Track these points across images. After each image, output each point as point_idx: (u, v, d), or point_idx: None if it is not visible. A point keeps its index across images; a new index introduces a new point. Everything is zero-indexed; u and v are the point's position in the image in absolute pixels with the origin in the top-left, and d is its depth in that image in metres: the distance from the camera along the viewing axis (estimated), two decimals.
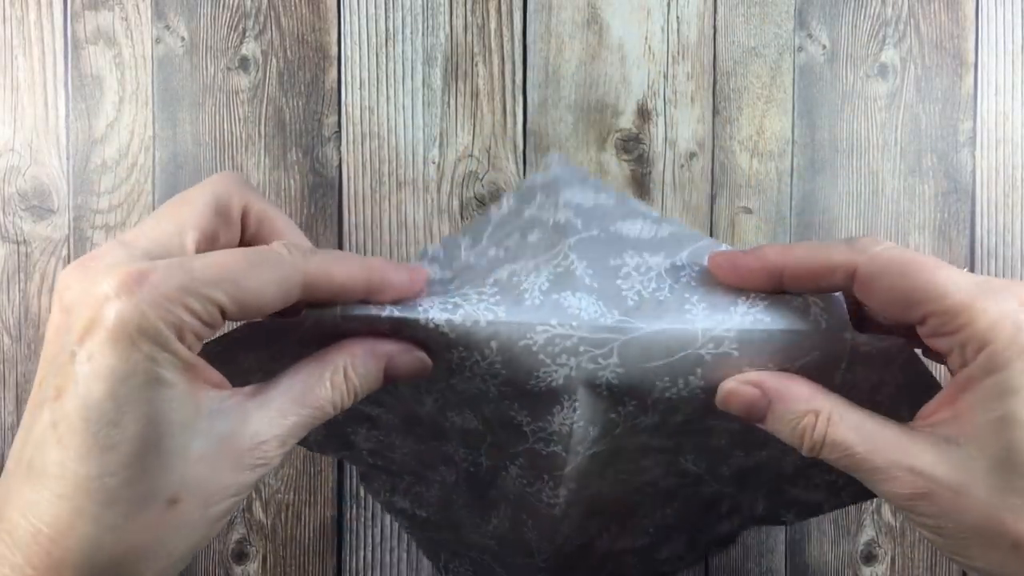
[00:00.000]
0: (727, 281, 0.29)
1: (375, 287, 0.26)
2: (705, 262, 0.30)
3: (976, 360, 0.24)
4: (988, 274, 0.44)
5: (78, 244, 0.43)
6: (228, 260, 0.23)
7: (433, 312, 0.27)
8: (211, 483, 0.22)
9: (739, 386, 0.27)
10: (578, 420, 0.29)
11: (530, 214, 0.33)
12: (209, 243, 0.26)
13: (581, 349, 0.27)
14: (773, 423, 0.27)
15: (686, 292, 0.29)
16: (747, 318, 0.28)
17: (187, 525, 0.22)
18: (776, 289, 0.28)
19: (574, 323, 0.27)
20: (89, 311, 0.21)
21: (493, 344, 0.27)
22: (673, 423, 0.30)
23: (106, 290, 0.21)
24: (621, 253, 0.30)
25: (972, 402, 0.24)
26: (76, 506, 0.21)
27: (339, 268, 0.25)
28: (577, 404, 0.28)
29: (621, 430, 0.30)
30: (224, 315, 0.23)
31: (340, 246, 0.44)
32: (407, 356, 0.27)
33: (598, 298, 0.28)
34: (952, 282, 0.25)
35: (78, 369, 0.21)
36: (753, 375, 0.27)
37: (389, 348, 0.27)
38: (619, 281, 0.29)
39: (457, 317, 0.27)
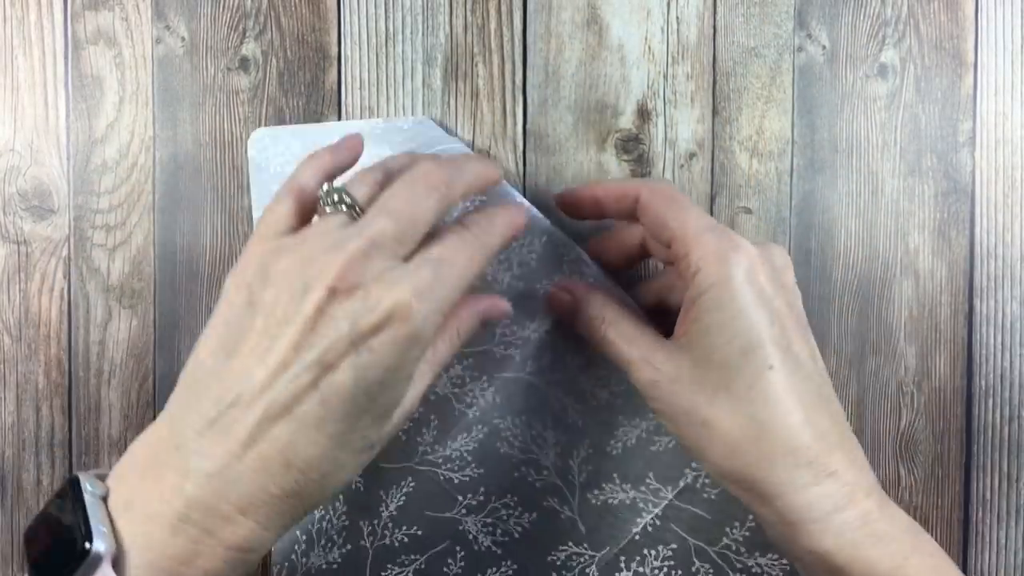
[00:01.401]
0: (569, 212, 0.39)
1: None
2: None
3: (692, 282, 0.31)
4: (988, 276, 0.44)
5: (78, 244, 0.43)
6: (467, 267, 0.31)
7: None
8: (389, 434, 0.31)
9: (558, 292, 0.38)
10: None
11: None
12: None
13: None
14: (578, 324, 0.36)
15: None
16: None
17: (370, 460, 0.31)
18: (599, 215, 0.37)
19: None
20: (383, 311, 0.27)
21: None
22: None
23: (405, 296, 0.28)
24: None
25: (689, 315, 0.31)
26: (324, 452, 0.28)
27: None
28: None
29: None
30: None
31: None
32: (496, 306, 0.36)
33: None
34: (693, 219, 0.32)
35: (360, 355, 0.27)
36: (569, 283, 0.38)
37: (483, 304, 0.35)
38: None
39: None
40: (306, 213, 0.32)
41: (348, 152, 0.34)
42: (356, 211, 0.30)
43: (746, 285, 0.30)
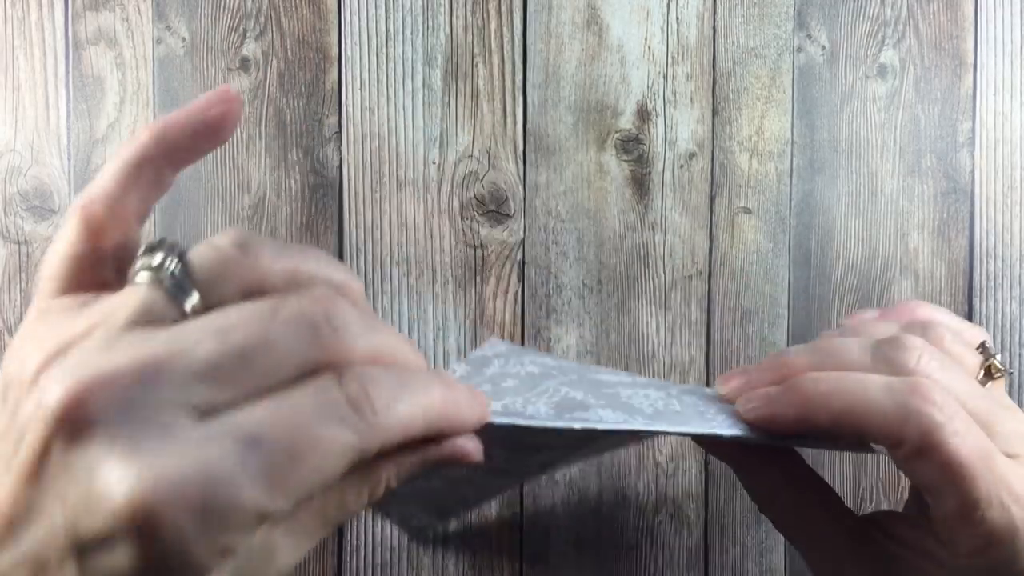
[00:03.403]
0: (759, 423, 0.25)
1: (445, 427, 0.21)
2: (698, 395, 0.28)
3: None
4: (987, 276, 0.44)
5: None
6: (317, 464, 0.18)
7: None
8: None
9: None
10: None
11: (493, 372, 0.29)
12: None
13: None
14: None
15: (699, 406, 0.27)
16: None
17: None
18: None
19: (600, 426, 0.25)
20: (117, 506, 0.16)
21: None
22: None
23: (155, 490, 0.16)
24: (614, 387, 0.28)
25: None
26: None
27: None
28: None
29: None
30: None
31: (340, 247, 0.44)
32: (455, 446, 0.22)
33: (614, 410, 0.26)
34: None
35: None
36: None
37: (437, 450, 0.21)
38: (625, 400, 0.27)
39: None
40: (102, 254, 0.20)
41: (209, 119, 0.21)
42: (186, 304, 0.18)
43: None
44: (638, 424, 0.25)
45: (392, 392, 0.18)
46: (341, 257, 0.43)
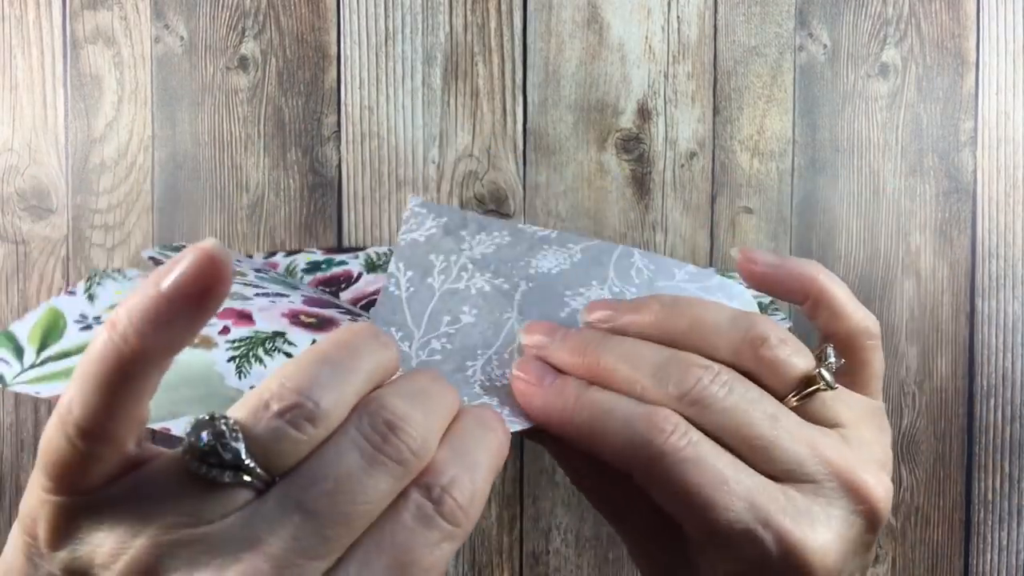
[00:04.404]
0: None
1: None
2: (629, 262, 0.29)
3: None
4: (990, 275, 0.44)
5: (77, 244, 0.43)
6: None
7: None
8: None
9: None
10: None
11: (447, 286, 0.29)
12: None
13: None
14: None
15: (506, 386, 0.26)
16: None
17: None
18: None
19: None
20: None
21: None
22: None
23: None
24: (562, 301, 0.29)
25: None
26: None
27: None
28: None
29: None
30: None
31: (339, 244, 0.43)
32: None
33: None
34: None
35: None
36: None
37: None
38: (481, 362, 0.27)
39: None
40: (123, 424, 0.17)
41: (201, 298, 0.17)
42: (258, 483, 0.17)
43: None
44: None
45: (469, 477, 0.19)
46: None
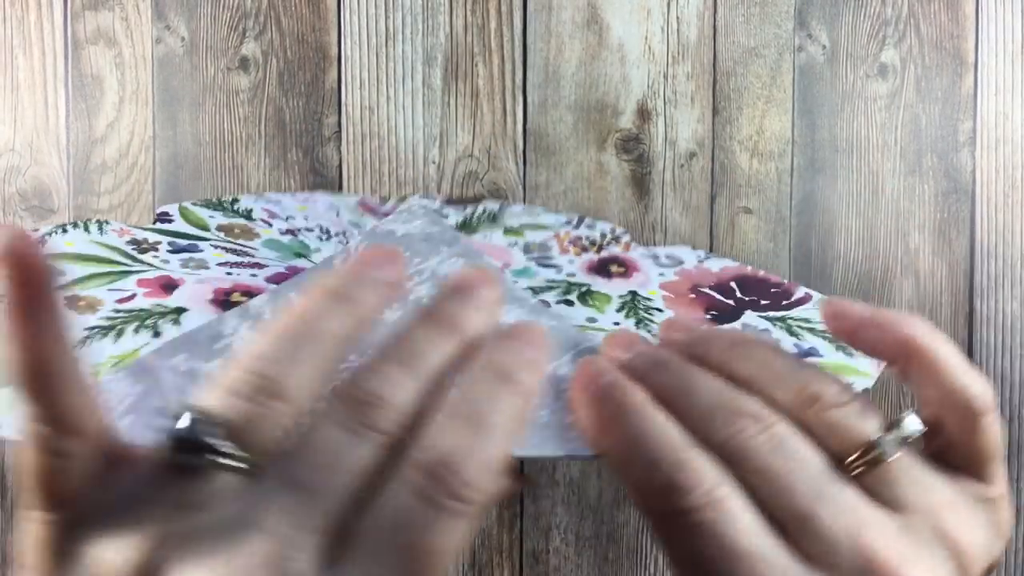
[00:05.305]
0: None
1: None
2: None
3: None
4: (988, 276, 0.44)
5: None
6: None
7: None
8: None
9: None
10: None
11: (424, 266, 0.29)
12: None
13: None
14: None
15: (570, 412, 0.23)
16: None
17: None
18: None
19: None
20: None
21: None
22: None
23: None
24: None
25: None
26: None
27: None
28: None
29: None
30: None
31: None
32: None
33: None
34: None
35: None
36: None
37: None
38: None
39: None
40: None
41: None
42: (242, 464, 0.17)
43: None
44: None
45: (475, 445, 0.18)
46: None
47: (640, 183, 0.44)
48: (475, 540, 0.43)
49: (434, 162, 0.43)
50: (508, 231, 0.38)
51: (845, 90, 0.44)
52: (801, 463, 0.19)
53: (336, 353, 0.18)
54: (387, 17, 0.43)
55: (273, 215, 0.38)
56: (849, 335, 0.22)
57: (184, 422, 0.17)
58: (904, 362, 0.21)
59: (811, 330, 0.30)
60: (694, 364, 0.22)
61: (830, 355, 0.28)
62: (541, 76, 0.43)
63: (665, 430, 0.20)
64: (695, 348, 0.23)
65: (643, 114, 0.44)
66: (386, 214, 0.38)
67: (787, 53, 0.44)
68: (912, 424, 0.20)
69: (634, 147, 0.44)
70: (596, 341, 0.26)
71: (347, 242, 0.36)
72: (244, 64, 0.43)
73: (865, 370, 0.28)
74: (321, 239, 0.36)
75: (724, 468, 0.19)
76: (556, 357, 0.25)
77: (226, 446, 0.17)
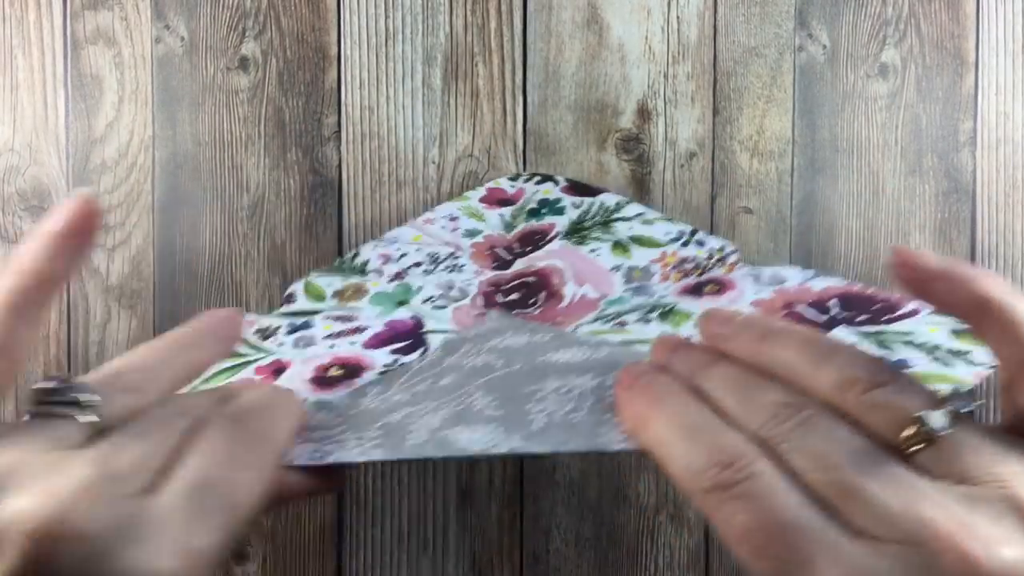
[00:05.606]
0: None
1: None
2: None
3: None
4: None
5: None
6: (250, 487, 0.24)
7: (301, 459, 0.25)
8: None
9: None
10: None
11: (451, 362, 0.30)
12: None
13: None
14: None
15: (606, 412, 0.25)
16: None
17: None
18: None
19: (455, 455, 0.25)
20: None
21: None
22: None
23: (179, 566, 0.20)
24: (542, 379, 0.28)
25: None
26: None
27: None
28: None
29: None
30: None
31: (340, 246, 0.44)
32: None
33: (498, 425, 0.25)
34: None
35: None
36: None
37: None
38: (529, 405, 0.26)
39: (328, 460, 0.25)
40: None
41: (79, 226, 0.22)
42: (89, 419, 0.21)
43: None
44: (505, 448, 0.25)
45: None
46: (341, 256, 0.43)
47: (640, 183, 0.44)
48: (475, 540, 0.43)
49: (434, 162, 0.43)
50: (617, 247, 0.38)
51: (845, 90, 0.44)
52: (839, 442, 0.19)
53: (177, 376, 0.24)
54: (387, 17, 0.43)
55: (388, 259, 0.39)
56: (918, 286, 0.21)
57: (56, 382, 0.21)
58: (979, 319, 0.20)
59: (909, 343, 0.29)
60: (728, 356, 0.23)
61: (924, 366, 0.27)
62: (541, 76, 0.43)
63: (702, 414, 0.21)
64: (729, 341, 0.23)
65: (643, 114, 0.44)
66: (516, 197, 0.41)
67: (787, 53, 0.44)
68: (964, 398, 0.19)
69: (634, 147, 0.44)
70: (628, 358, 0.27)
71: (458, 256, 0.39)
72: (244, 64, 0.43)
73: (965, 378, 0.27)
74: (427, 271, 0.38)
75: (763, 450, 0.19)
76: (606, 372, 0.27)
77: (82, 402, 0.21)
